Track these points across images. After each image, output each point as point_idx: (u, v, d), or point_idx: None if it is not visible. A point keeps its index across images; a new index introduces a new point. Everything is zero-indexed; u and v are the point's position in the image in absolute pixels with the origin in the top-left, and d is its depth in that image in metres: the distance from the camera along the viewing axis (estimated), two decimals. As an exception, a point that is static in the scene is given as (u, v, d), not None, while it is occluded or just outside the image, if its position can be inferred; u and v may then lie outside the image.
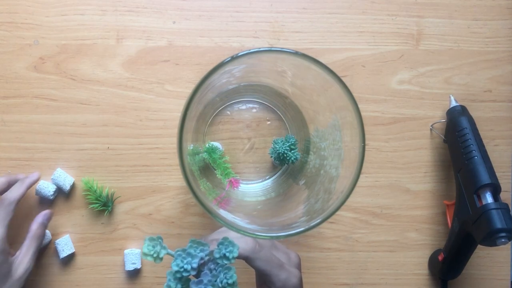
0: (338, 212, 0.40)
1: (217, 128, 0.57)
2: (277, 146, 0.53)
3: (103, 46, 0.56)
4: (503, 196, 0.58)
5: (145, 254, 0.37)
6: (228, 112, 0.57)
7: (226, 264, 0.38)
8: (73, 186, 0.56)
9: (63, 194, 0.56)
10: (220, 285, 0.37)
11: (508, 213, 0.48)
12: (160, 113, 0.57)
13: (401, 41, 0.59)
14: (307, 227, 0.40)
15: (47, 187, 0.54)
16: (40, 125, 0.56)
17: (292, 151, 0.52)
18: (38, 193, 0.55)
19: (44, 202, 0.56)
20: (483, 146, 0.53)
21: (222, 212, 0.43)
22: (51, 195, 0.55)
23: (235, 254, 0.38)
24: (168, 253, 0.38)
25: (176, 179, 0.57)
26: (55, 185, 0.55)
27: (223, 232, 0.44)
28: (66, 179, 0.55)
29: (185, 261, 0.37)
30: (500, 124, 0.59)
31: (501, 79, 0.59)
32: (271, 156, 0.54)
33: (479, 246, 0.52)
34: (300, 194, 0.51)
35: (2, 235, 0.48)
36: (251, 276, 0.49)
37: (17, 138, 0.56)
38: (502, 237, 0.47)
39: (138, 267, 0.56)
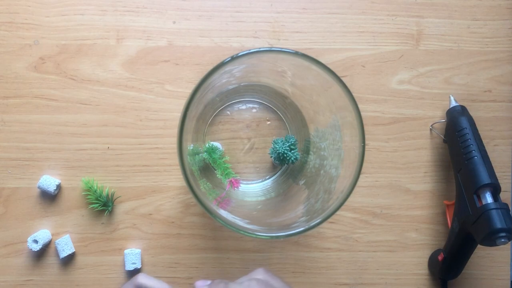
0: (338, 212, 0.40)
1: (217, 128, 0.57)
2: (277, 146, 0.53)
3: (103, 46, 0.56)
4: (503, 196, 0.58)
5: None
6: (228, 112, 0.57)
7: None
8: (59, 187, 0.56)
9: (59, 194, 0.56)
10: None
11: (508, 213, 0.48)
12: (160, 113, 0.57)
13: (401, 41, 0.59)
14: (307, 227, 0.40)
15: (49, 182, 0.55)
16: (40, 125, 0.56)
17: (292, 151, 0.52)
18: (40, 187, 0.55)
19: (46, 197, 0.56)
20: (483, 146, 0.53)
21: (222, 212, 0.43)
22: (54, 190, 0.55)
23: None
24: None
25: (176, 179, 0.57)
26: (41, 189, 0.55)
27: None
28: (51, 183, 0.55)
29: None
30: (500, 124, 0.59)
31: (501, 79, 0.59)
32: (271, 156, 0.54)
33: (479, 246, 0.52)
34: (300, 194, 0.51)
35: None
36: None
37: (17, 138, 0.56)
38: (502, 237, 0.47)
39: (138, 267, 0.56)
